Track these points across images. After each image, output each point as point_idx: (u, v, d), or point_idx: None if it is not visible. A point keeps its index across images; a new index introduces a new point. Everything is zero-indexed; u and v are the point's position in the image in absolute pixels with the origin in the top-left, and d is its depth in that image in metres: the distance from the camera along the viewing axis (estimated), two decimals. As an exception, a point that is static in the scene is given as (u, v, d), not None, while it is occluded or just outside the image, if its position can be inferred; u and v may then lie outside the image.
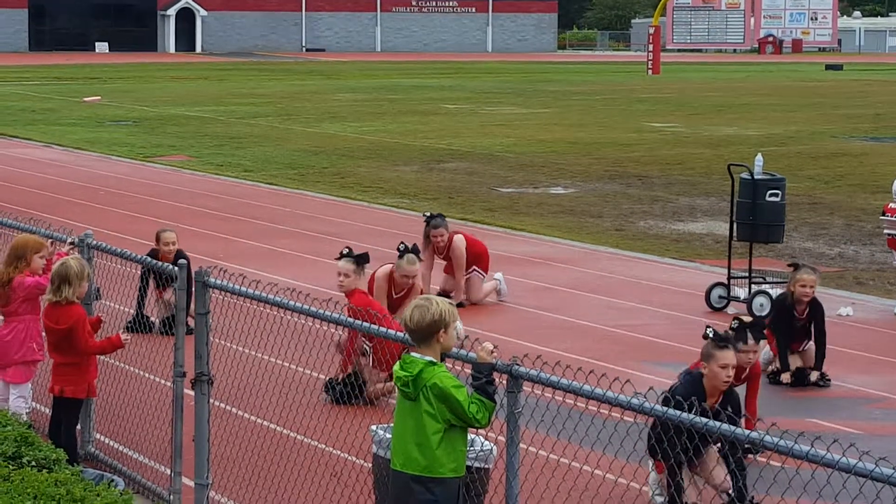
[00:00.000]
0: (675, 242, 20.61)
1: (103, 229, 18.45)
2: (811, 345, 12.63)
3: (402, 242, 13.23)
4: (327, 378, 11.28)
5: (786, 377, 12.48)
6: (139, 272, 13.05)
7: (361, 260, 11.72)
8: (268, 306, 8.42)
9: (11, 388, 9.76)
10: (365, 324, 8.03)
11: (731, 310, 15.07)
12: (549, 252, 19.36)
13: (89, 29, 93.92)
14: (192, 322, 8.75)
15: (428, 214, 15.75)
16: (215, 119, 41.10)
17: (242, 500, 9.04)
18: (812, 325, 12.63)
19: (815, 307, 12.70)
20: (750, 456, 9.49)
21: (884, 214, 16.36)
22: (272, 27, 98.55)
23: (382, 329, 7.77)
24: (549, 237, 20.72)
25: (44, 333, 9.83)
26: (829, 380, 12.45)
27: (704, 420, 5.93)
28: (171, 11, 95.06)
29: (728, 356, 8.98)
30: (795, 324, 12.65)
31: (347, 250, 11.82)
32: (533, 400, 7.36)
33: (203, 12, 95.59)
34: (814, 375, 12.45)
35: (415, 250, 13.07)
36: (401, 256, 12.95)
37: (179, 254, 13.79)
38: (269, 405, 9.98)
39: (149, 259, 10.29)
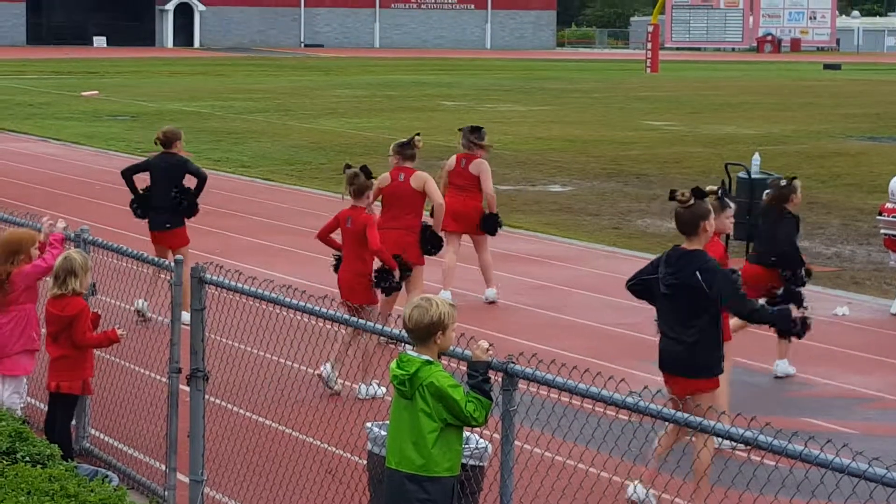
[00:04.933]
0: (673, 241, 20.55)
1: (99, 224, 18.45)
2: None
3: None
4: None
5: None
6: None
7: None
8: (264, 303, 8.42)
9: (7, 382, 9.73)
10: (360, 321, 8.04)
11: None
12: (546, 250, 19.36)
13: (87, 23, 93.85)
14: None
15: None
16: (213, 114, 41.07)
17: (237, 496, 9.04)
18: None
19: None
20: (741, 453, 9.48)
21: (880, 214, 16.36)
22: (270, 23, 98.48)
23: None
24: (546, 235, 20.72)
25: (42, 329, 9.80)
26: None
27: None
28: (170, 6, 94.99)
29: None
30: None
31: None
32: (528, 398, 7.36)
33: (201, 7, 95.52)
34: None
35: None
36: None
37: (183, 160, 14.42)
38: (264, 402, 9.99)
39: (145, 255, 10.24)
